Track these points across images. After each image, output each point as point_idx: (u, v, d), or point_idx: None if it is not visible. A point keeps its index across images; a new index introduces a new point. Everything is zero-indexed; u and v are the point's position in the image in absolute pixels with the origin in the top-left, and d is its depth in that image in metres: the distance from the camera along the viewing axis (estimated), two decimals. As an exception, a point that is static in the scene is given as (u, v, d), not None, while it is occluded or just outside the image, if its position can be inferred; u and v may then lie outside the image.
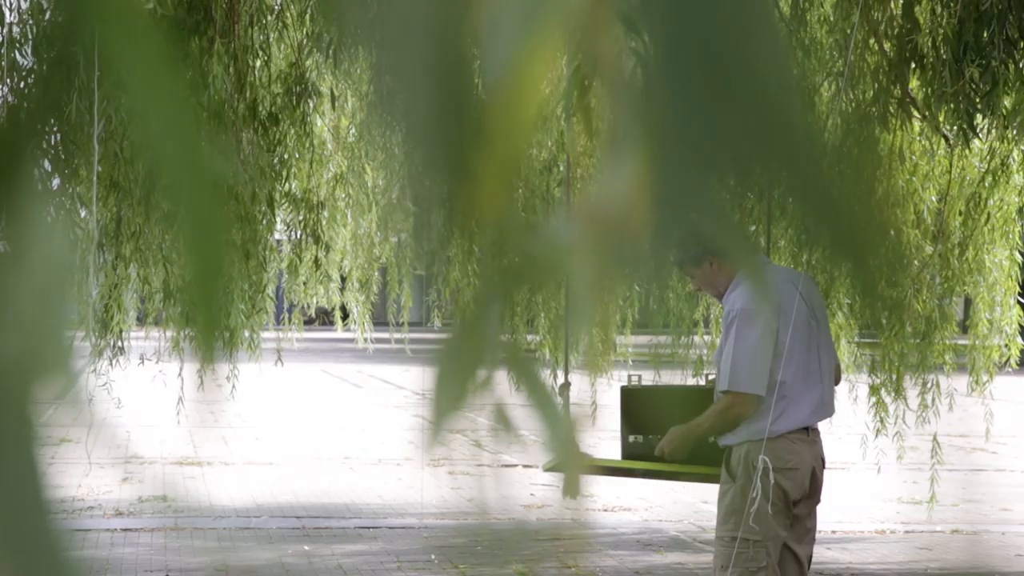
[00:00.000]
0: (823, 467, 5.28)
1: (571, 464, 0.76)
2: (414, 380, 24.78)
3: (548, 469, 5.92)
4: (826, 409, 5.31)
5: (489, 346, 0.73)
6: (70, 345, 0.69)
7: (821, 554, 9.11)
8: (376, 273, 10.40)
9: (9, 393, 0.67)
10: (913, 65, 5.54)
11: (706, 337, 9.61)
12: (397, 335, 10.83)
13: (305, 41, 7.95)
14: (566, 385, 6.01)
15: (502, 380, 0.76)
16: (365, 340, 10.82)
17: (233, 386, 8.96)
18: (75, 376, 0.69)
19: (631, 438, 5.56)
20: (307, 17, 7.83)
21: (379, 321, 10.89)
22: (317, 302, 10.33)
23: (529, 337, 10.23)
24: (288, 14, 7.64)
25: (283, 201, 8.58)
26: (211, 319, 0.69)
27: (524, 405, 0.76)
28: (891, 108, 5.92)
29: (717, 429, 5.19)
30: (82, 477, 11.72)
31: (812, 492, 5.27)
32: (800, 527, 5.26)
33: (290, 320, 10.07)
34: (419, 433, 17.39)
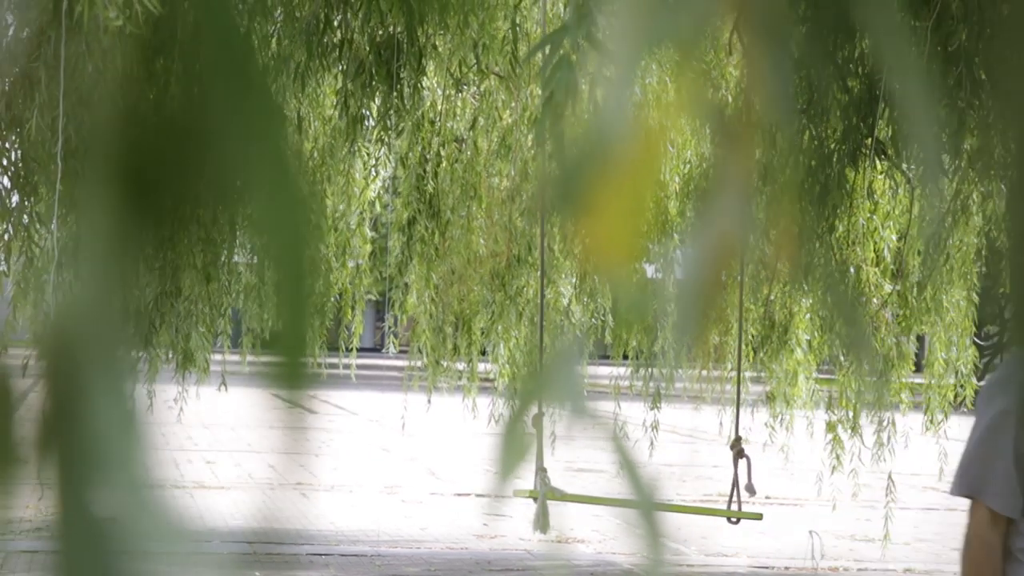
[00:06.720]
0: None
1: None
2: (370, 406, 24.67)
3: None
4: None
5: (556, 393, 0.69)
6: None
7: (775, 590, 9.06)
8: (333, 298, 10.34)
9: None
10: (882, 105, 5.54)
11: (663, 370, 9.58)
12: (346, 360, 10.77)
13: (270, 64, 7.90)
14: (539, 415, 5.93)
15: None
16: (319, 365, 10.74)
17: (181, 408, 8.86)
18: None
19: None
20: (273, 40, 7.78)
21: (332, 346, 10.82)
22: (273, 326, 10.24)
23: (485, 366, 10.18)
24: (254, 36, 7.59)
25: (245, 223, 8.48)
26: (300, 343, 0.66)
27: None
28: (860, 147, 5.93)
29: None
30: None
31: None
32: None
33: (242, 344, 9.99)
34: (373, 459, 17.30)
